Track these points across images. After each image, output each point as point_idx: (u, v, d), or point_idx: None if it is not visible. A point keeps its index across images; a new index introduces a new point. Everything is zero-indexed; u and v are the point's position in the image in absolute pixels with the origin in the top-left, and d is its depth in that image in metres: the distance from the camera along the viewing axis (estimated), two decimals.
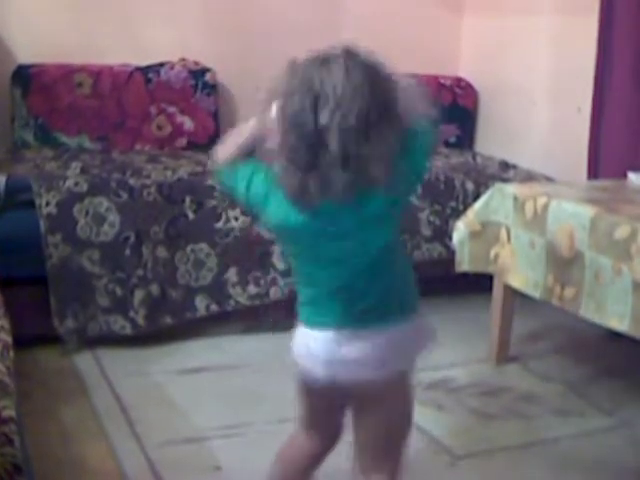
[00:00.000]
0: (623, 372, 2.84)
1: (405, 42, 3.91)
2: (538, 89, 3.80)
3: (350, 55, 1.44)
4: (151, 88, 3.65)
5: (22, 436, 1.53)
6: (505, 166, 3.72)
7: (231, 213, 3.00)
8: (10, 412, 1.36)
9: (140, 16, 3.77)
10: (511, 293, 2.77)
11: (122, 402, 2.49)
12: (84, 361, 2.78)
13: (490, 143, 4.15)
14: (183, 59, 3.79)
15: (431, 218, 3.27)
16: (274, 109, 1.47)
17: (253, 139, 1.63)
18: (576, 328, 3.03)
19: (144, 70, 3.66)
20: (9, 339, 1.77)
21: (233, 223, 3.00)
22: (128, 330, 2.90)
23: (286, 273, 2.98)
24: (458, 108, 4.15)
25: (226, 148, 1.69)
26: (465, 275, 2.84)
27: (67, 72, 3.55)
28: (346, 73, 1.40)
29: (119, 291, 2.89)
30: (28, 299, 2.81)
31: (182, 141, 3.72)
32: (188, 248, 2.96)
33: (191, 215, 2.97)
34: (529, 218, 2.56)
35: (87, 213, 2.85)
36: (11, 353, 1.71)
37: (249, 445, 2.26)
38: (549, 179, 3.49)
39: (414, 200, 3.23)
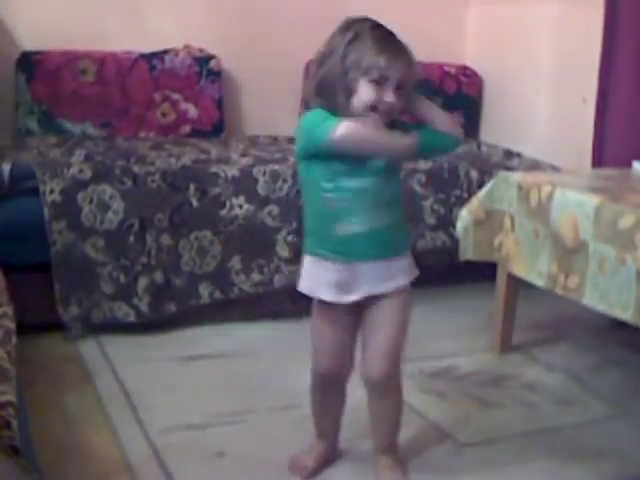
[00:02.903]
0: (626, 361, 2.84)
1: (410, 30, 3.85)
2: (543, 78, 3.79)
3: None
4: (155, 75, 3.65)
5: (24, 421, 1.54)
6: (510, 155, 3.71)
7: (235, 201, 3.00)
8: (9, 397, 1.37)
9: (144, 3, 3.77)
10: (515, 282, 2.77)
11: (126, 389, 2.49)
12: (88, 348, 2.79)
13: (495, 131, 4.14)
14: (187, 46, 3.78)
15: (435, 207, 3.26)
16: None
17: None
18: (580, 317, 3.03)
19: (148, 57, 3.66)
20: (12, 325, 1.78)
21: (237, 211, 3.00)
22: (132, 317, 2.90)
23: (290, 261, 2.98)
24: (463, 96, 4.14)
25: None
26: (469, 264, 2.83)
27: (71, 59, 3.54)
28: None
29: (123, 278, 2.89)
30: (32, 286, 2.81)
31: (186, 128, 3.71)
32: (192, 236, 2.96)
33: (195, 202, 2.96)
34: (533, 207, 2.55)
35: (91, 200, 2.85)
36: (13, 339, 1.71)
37: (252, 431, 2.26)
38: (554, 168, 3.48)
39: (417, 188, 3.24)
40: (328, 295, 1.90)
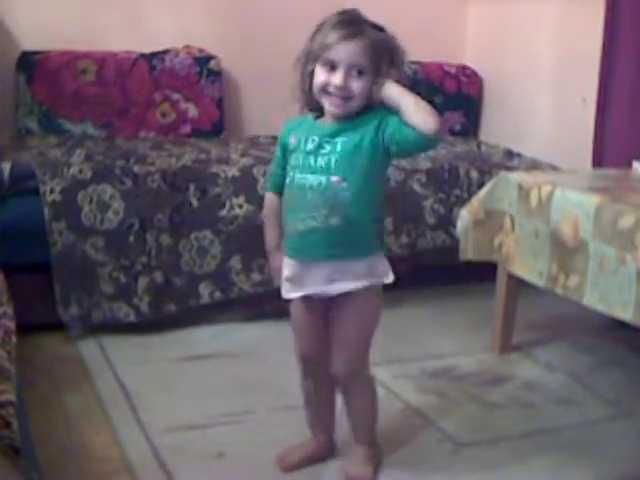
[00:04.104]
0: (626, 361, 2.84)
1: (410, 29, 3.85)
2: (543, 77, 3.79)
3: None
4: (155, 75, 3.65)
5: (24, 421, 1.54)
6: (510, 154, 3.71)
7: (235, 201, 3.00)
8: (9, 396, 1.37)
9: (144, 3, 3.77)
10: (515, 282, 2.77)
11: (126, 389, 2.49)
12: (88, 348, 2.79)
13: (495, 131, 4.14)
14: (187, 46, 3.78)
15: (435, 206, 3.26)
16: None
17: None
18: (580, 317, 3.03)
19: (148, 57, 3.66)
20: (12, 325, 1.78)
21: (237, 210, 3.00)
22: (132, 317, 2.90)
23: None
24: (463, 96, 4.14)
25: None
26: (469, 263, 2.83)
27: (71, 59, 3.54)
28: None
29: (123, 278, 2.89)
30: (32, 286, 2.81)
31: (186, 128, 3.72)
32: (192, 235, 2.96)
33: (195, 202, 2.96)
34: (533, 207, 2.55)
35: (91, 200, 2.86)
36: (13, 339, 1.71)
37: (252, 432, 2.26)
38: (554, 168, 3.48)
39: (417, 188, 3.24)
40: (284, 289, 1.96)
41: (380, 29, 1.82)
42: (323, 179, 1.82)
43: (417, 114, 1.75)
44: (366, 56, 1.77)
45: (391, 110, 1.80)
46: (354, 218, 1.84)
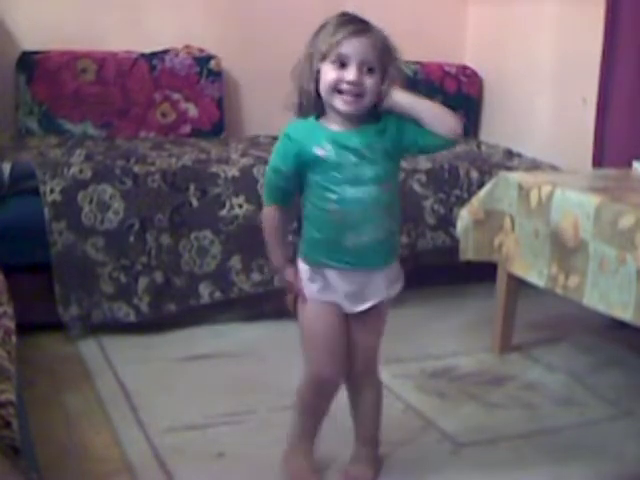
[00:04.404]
0: (627, 362, 2.83)
1: (410, 30, 3.89)
2: (543, 77, 3.79)
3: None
4: (155, 75, 3.65)
5: (24, 421, 1.54)
6: (510, 154, 3.71)
7: (235, 200, 3.00)
8: (9, 396, 1.36)
9: (145, 3, 3.77)
10: (515, 282, 2.77)
11: (126, 389, 2.49)
12: (88, 348, 2.79)
13: (495, 131, 4.14)
14: (188, 46, 3.78)
15: (435, 206, 3.26)
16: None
17: None
18: (580, 317, 3.03)
19: (148, 57, 3.66)
20: (12, 325, 1.78)
21: (237, 210, 3.00)
22: (132, 317, 2.90)
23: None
24: (463, 96, 4.14)
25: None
26: (469, 264, 2.83)
27: (71, 59, 3.55)
28: None
29: (123, 278, 2.89)
30: (32, 286, 2.82)
31: (186, 128, 3.72)
32: (192, 235, 2.96)
33: (195, 202, 2.96)
34: (533, 207, 2.55)
35: (91, 200, 2.86)
36: (13, 338, 1.71)
37: (252, 432, 2.26)
38: (554, 168, 3.48)
39: (417, 188, 3.24)
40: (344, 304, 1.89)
41: (379, 28, 1.81)
42: (378, 189, 1.81)
43: (437, 120, 1.77)
44: (375, 53, 1.75)
45: (401, 115, 1.80)
46: (398, 222, 1.91)
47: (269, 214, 1.91)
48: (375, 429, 2.06)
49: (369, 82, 1.75)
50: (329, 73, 1.75)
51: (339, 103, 1.76)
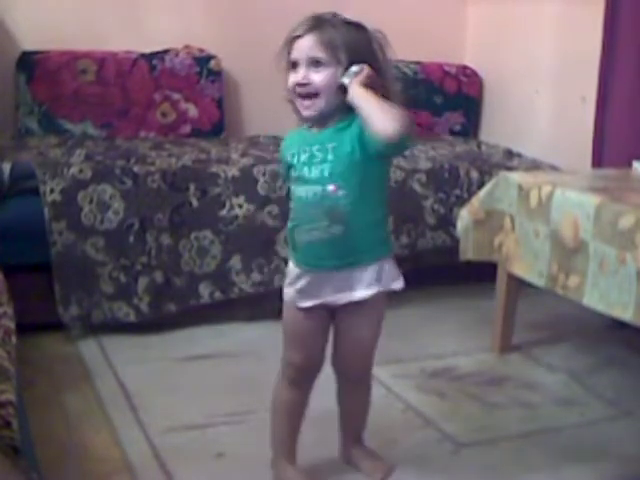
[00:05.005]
0: (626, 362, 2.83)
1: (410, 30, 3.90)
2: (543, 77, 3.79)
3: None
4: (155, 75, 3.65)
5: (24, 421, 1.54)
6: (510, 154, 3.71)
7: (235, 200, 3.00)
8: (9, 396, 1.36)
9: (145, 3, 3.77)
10: (515, 282, 2.77)
11: (126, 389, 2.49)
12: (88, 348, 2.79)
13: (495, 131, 4.14)
14: (187, 46, 3.78)
15: (435, 206, 3.26)
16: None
17: None
18: (580, 317, 3.03)
19: (148, 57, 3.66)
20: (12, 325, 1.78)
21: (237, 211, 3.00)
22: (132, 317, 2.90)
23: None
24: (463, 96, 4.14)
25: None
26: (469, 263, 2.83)
27: (71, 59, 3.54)
28: None
29: (123, 278, 2.89)
30: (32, 286, 2.81)
31: (186, 128, 3.72)
32: (192, 235, 2.96)
33: (195, 202, 2.96)
34: (533, 207, 2.55)
35: (91, 200, 2.86)
36: (13, 339, 1.71)
37: (252, 432, 2.26)
38: (554, 168, 3.48)
39: (417, 188, 3.24)
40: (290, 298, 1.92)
41: (353, 25, 1.77)
42: (319, 189, 1.78)
43: (374, 120, 1.66)
44: (322, 47, 1.72)
45: None
46: (356, 225, 1.79)
47: None
48: (364, 427, 2.10)
49: (315, 77, 1.73)
50: (288, 80, 1.78)
51: (300, 108, 1.78)
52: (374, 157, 1.75)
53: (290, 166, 1.86)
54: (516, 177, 2.70)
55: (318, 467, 2.08)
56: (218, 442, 2.20)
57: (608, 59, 3.21)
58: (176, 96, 3.68)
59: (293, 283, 1.90)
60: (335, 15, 1.79)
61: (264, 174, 3.04)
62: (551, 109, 3.76)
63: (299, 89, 1.75)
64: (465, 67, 4.22)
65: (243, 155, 3.28)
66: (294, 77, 1.76)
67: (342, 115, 1.77)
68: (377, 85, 1.74)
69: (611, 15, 3.19)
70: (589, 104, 3.37)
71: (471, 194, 3.12)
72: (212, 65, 3.75)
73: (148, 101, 3.64)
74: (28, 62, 3.50)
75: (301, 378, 1.97)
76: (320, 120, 1.79)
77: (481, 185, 3.13)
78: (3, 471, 1.20)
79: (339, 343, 1.95)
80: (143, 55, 3.66)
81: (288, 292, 1.92)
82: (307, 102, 1.75)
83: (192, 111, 3.72)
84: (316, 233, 1.81)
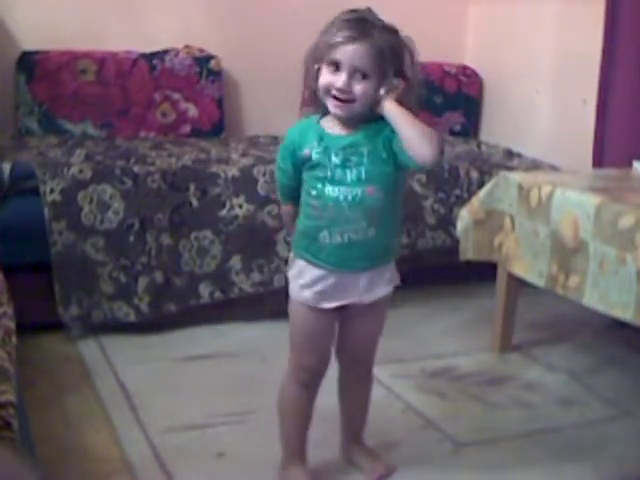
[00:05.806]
0: (626, 362, 2.83)
1: (410, 29, 3.87)
2: (543, 78, 3.79)
3: None
4: (155, 75, 3.65)
5: (24, 421, 1.54)
6: (510, 154, 3.71)
7: (235, 200, 3.00)
8: (9, 396, 1.36)
9: (145, 3, 3.77)
10: (515, 282, 2.77)
11: (126, 389, 2.49)
12: (88, 348, 2.79)
13: (495, 131, 4.14)
14: (187, 46, 3.78)
15: (435, 206, 3.26)
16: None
17: None
18: (580, 317, 3.03)
19: (148, 57, 3.66)
20: (12, 325, 1.77)
21: (237, 211, 3.00)
22: (132, 317, 2.90)
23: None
24: (463, 96, 4.14)
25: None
26: (469, 263, 2.83)
27: (71, 59, 3.54)
28: None
29: (123, 278, 2.89)
30: (32, 286, 2.81)
31: (186, 128, 3.71)
32: (192, 235, 2.96)
33: (195, 202, 2.96)
34: (533, 207, 2.56)
35: (91, 200, 2.86)
36: (13, 339, 1.71)
37: (252, 432, 2.26)
38: (554, 168, 3.48)
39: (417, 188, 3.24)
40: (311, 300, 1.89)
41: (392, 31, 1.78)
42: (359, 191, 1.79)
43: (413, 144, 1.71)
44: (370, 60, 1.72)
45: None
46: (387, 227, 1.86)
47: (284, 211, 2.03)
48: (363, 426, 2.11)
49: (358, 88, 1.73)
50: (324, 76, 1.75)
51: (330, 105, 1.77)
52: (402, 167, 1.81)
53: (309, 163, 1.82)
54: (516, 177, 2.70)
55: (321, 467, 2.08)
56: (218, 442, 2.20)
57: (608, 59, 3.21)
58: (176, 96, 3.68)
59: (311, 285, 1.87)
60: (376, 17, 1.78)
61: (264, 174, 3.04)
62: (551, 109, 3.76)
63: (336, 93, 1.75)
64: (465, 67, 4.21)
65: (243, 155, 3.28)
66: (333, 78, 1.74)
67: (369, 117, 1.79)
68: (408, 98, 1.78)
69: (611, 15, 3.19)
70: (589, 104, 3.37)
71: (471, 194, 3.12)
72: (212, 65, 3.75)
73: (148, 101, 3.64)
74: (28, 62, 3.50)
75: (312, 380, 1.97)
76: (347, 120, 1.80)
77: (481, 185, 3.13)
78: (3, 471, 1.20)
79: (349, 337, 1.97)
80: (143, 55, 3.66)
81: (304, 294, 1.88)
82: (340, 104, 1.76)
83: (192, 111, 3.71)
84: (352, 235, 1.81)
